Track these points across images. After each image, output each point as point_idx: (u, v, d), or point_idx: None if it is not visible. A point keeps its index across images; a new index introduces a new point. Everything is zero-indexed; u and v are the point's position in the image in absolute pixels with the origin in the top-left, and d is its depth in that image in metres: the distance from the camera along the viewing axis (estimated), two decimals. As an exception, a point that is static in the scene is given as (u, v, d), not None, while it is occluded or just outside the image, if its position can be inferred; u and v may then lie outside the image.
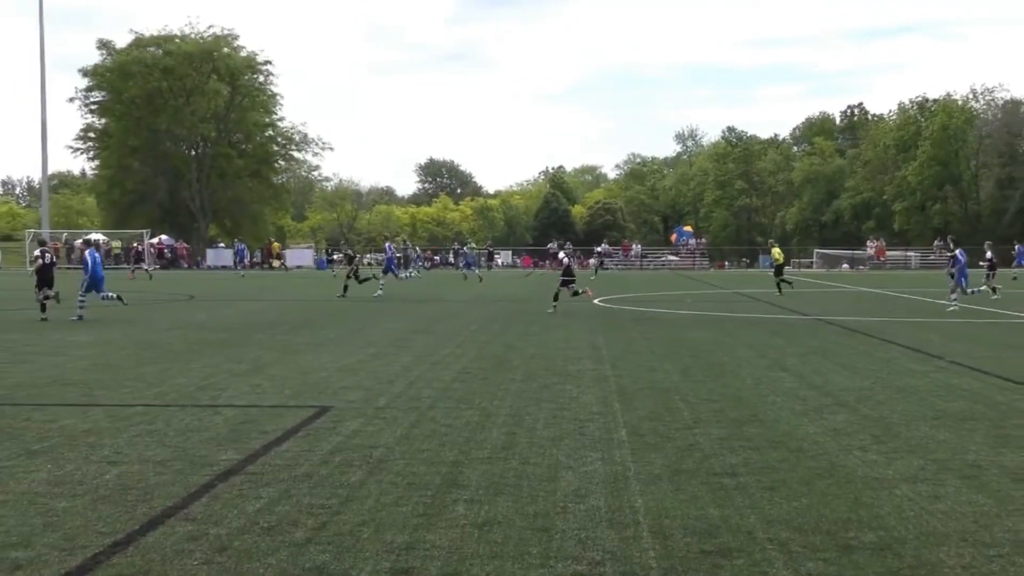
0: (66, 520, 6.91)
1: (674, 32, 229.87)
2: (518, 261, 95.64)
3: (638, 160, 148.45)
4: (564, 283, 28.80)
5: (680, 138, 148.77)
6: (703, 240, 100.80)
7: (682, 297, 37.12)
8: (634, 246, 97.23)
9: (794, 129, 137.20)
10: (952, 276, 31.23)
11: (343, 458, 8.92)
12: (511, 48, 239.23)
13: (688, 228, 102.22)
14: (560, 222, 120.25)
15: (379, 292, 36.36)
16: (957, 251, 31.91)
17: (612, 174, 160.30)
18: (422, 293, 40.10)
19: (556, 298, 28.38)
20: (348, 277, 37.12)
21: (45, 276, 25.94)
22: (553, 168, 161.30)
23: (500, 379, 14.24)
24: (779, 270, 41.57)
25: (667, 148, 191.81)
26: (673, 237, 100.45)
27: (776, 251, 42.37)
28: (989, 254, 36.28)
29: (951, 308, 29.17)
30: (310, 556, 6.16)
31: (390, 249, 46.32)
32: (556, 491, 7.80)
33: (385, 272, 41.33)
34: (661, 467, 8.64)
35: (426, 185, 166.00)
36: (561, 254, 34.36)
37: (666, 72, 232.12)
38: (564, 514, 7.15)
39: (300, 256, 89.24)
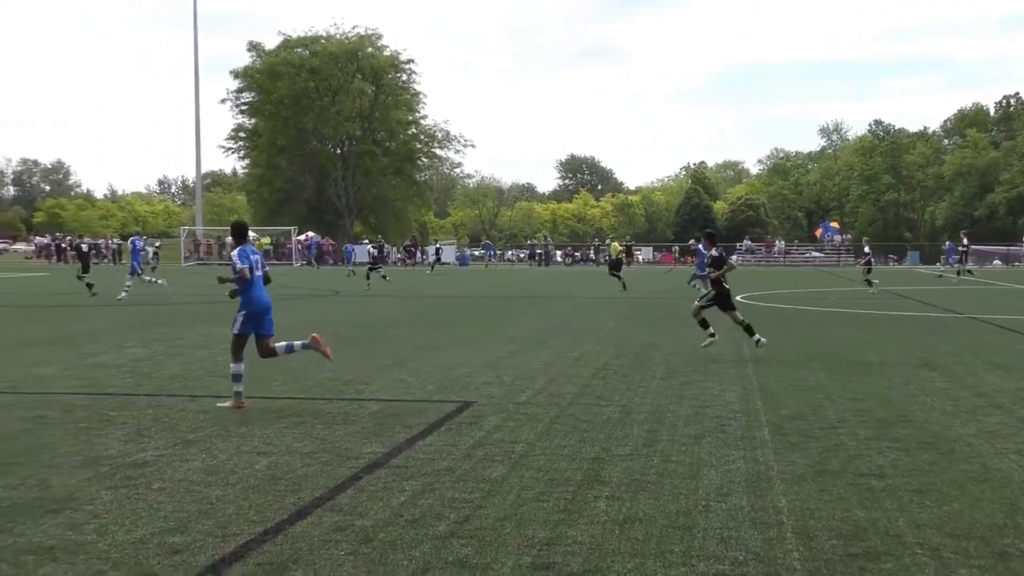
0: (219, 508, 7.12)
1: (813, 25, 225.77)
2: (659, 257, 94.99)
3: (781, 155, 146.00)
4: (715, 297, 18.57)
5: (824, 132, 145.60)
6: (848, 236, 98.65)
7: (826, 294, 36.40)
8: (777, 242, 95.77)
9: (945, 121, 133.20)
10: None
11: (485, 453, 9.00)
12: (651, 44, 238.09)
13: (834, 224, 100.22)
14: (701, 218, 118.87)
15: None
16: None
17: (754, 169, 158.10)
18: (560, 289, 40.17)
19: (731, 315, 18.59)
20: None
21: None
22: (694, 164, 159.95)
23: (640, 376, 14.19)
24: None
25: (811, 142, 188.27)
26: (818, 232, 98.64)
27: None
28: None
29: None
30: (453, 549, 6.24)
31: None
32: (698, 489, 7.74)
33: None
34: (805, 467, 8.50)
35: (567, 181, 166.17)
36: (712, 249, 32.40)
37: (806, 66, 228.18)
38: (706, 512, 7.09)
39: (442, 252, 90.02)
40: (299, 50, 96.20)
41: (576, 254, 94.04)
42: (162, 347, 17.77)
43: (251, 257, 11.91)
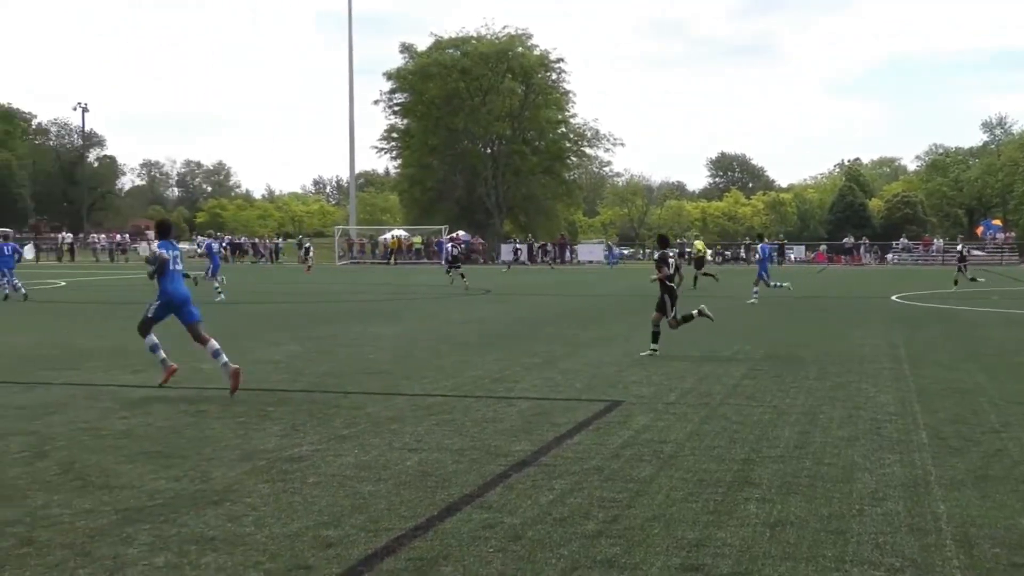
0: (371, 503, 7.25)
1: (973, 14, 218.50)
2: (811, 256, 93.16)
3: (940, 151, 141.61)
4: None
5: (987, 126, 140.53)
6: (1011, 234, 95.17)
7: (988, 294, 35.23)
8: (936, 241, 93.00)
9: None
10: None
11: (633, 452, 8.97)
12: (801, 39, 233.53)
13: (996, 221, 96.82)
14: (856, 216, 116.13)
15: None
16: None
17: (912, 166, 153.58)
18: (710, 288, 39.73)
19: None
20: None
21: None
22: (848, 160, 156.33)
23: (792, 376, 13.95)
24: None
25: (972, 138, 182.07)
26: (979, 230, 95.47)
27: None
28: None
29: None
30: (601, 549, 6.23)
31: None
32: (852, 493, 7.58)
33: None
34: (965, 472, 8.24)
35: (716, 180, 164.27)
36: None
37: (967, 57, 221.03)
38: (860, 517, 6.94)
39: (591, 251, 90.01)
40: (450, 51, 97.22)
41: (726, 252, 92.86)
42: (316, 344, 18.18)
43: (171, 252, 13.13)
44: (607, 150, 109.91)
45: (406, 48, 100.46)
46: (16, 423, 10.34)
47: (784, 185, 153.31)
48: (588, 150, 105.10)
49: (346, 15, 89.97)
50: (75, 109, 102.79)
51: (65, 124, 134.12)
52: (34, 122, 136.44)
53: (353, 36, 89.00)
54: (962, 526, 6.72)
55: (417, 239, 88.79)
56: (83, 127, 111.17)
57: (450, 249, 46.34)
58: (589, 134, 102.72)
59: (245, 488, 7.65)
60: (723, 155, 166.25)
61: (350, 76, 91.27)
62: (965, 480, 7.97)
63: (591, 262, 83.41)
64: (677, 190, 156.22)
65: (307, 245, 67.45)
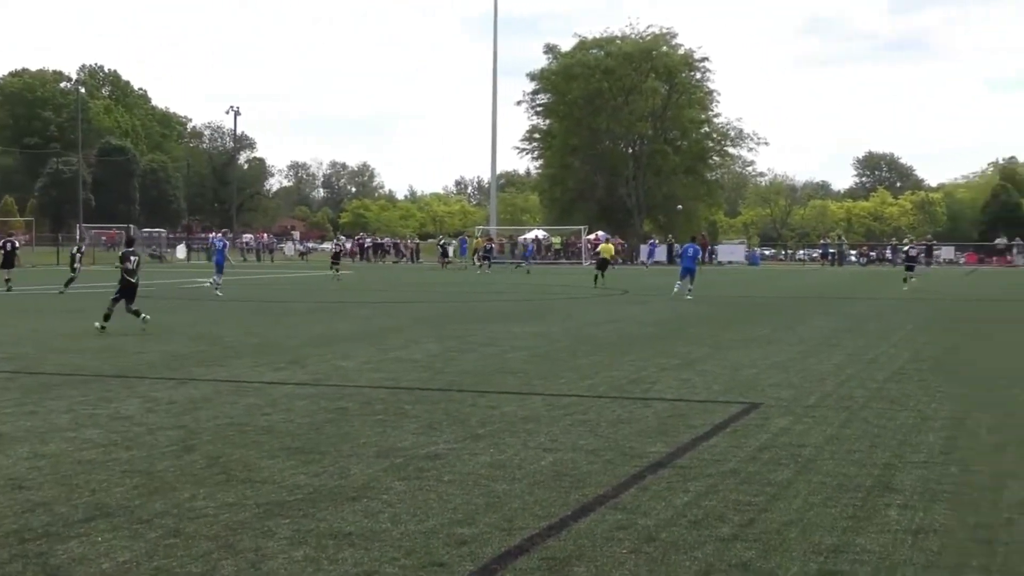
0: (505, 502, 7.28)
1: None
2: (962, 257, 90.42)
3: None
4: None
5: None
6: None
7: None
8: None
9: None
10: None
11: (771, 455, 8.82)
12: (956, 34, 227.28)
13: None
14: (1010, 216, 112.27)
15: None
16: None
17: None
18: (854, 290, 38.93)
19: None
20: None
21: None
22: (1004, 159, 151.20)
23: (939, 381, 13.56)
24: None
25: None
26: None
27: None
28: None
29: None
30: (736, 552, 6.14)
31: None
32: (1000, 501, 7.33)
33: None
34: (1122, 482, 7.89)
35: (863, 179, 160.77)
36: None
37: None
38: (1009, 527, 6.70)
39: (732, 251, 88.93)
40: (594, 51, 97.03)
41: (871, 253, 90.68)
42: (455, 343, 18.34)
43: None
44: (750, 150, 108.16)
45: (550, 49, 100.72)
46: (166, 418, 10.67)
47: (934, 185, 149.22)
48: (731, 150, 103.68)
49: (491, 17, 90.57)
50: (228, 112, 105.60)
51: (218, 127, 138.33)
52: (189, 125, 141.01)
53: (498, 38, 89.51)
54: (1118, 538, 6.44)
55: (556, 239, 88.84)
56: (235, 130, 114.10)
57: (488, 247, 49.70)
58: (732, 134, 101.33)
59: (382, 485, 7.75)
60: (871, 154, 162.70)
61: (494, 77, 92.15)
62: (1122, 490, 7.64)
63: (731, 263, 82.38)
64: (821, 190, 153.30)
65: (443, 243, 68.71)
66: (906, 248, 47.36)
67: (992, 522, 6.80)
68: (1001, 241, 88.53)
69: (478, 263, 64.35)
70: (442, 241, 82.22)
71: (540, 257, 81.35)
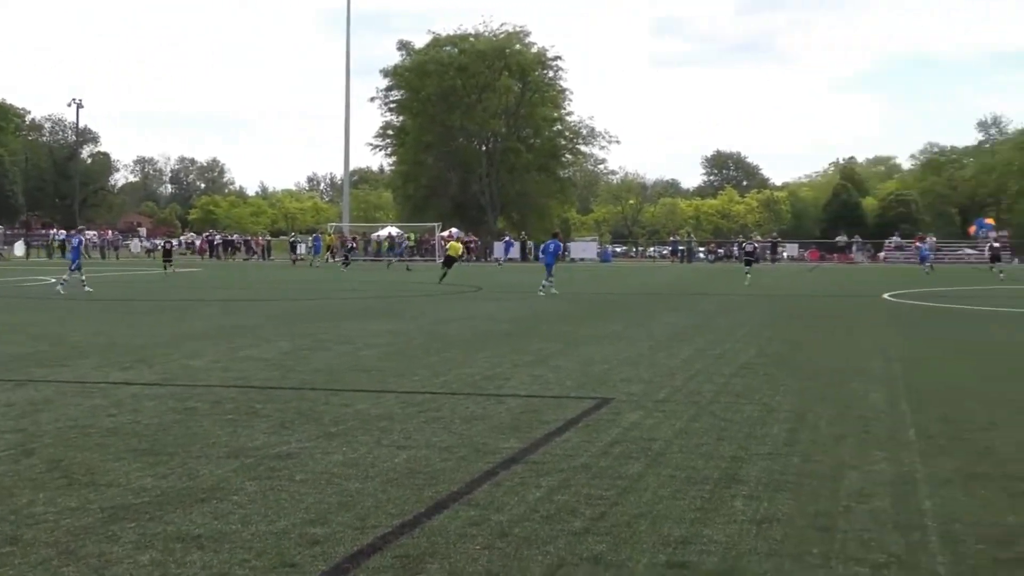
0: (358, 500, 7.24)
1: (973, 14, 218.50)
2: (805, 254, 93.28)
3: (935, 149, 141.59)
4: None
5: (983, 126, 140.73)
6: (1004, 233, 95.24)
7: (980, 292, 35.27)
8: (928, 239, 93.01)
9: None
10: None
11: (622, 450, 8.96)
12: (800, 37, 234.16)
13: (989, 221, 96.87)
14: (850, 214, 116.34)
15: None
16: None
17: (907, 165, 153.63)
18: (702, 286, 39.80)
19: None
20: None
21: None
22: (844, 159, 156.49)
23: (783, 375, 13.96)
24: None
25: (968, 137, 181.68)
26: (972, 230, 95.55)
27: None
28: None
29: None
30: (587, 546, 6.22)
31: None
32: (839, 490, 7.59)
33: None
34: (952, 470, 8.24)
35: (712, 177, 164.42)
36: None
37: (965, 57, 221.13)
38: (847, 514, 6.94)
39: (584, 249, 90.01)
40: (448, 48, 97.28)
41: (720, 250, 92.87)
42: (307, 341, 18.15)
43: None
44: (602, 148, 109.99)
45: (403, 45, 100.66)
46: (3, 421, 10.31)
47: (779, 183, 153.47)
48: (583, 148, 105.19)
49: (344, 12, 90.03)
50: (70, 105, 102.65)
51: (59, 120, 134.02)
52: (28, 118, 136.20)
53: (351, 34, 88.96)
54: (947, 523, 6.72)
55: (410, 236, 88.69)
56: (77, 123, 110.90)
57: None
58: (585, 132, 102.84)
59: (232, 485, 7.64)
60: (719, 153, 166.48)
61: (347, 73, 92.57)
62: (952, 478, 7.98)
63: (583, 260, 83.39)
64: (671, 188, 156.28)
65: (293, 240, 68.28)
66: (744, 245, 49.42)
67: (831, 510, 7.04)
68: (842, 238, 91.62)
69: (334, 260, 64.15)
70: (293, 238, 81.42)
71: (394, 254, 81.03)
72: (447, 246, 49.13)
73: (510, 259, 77.85)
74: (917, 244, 70.54)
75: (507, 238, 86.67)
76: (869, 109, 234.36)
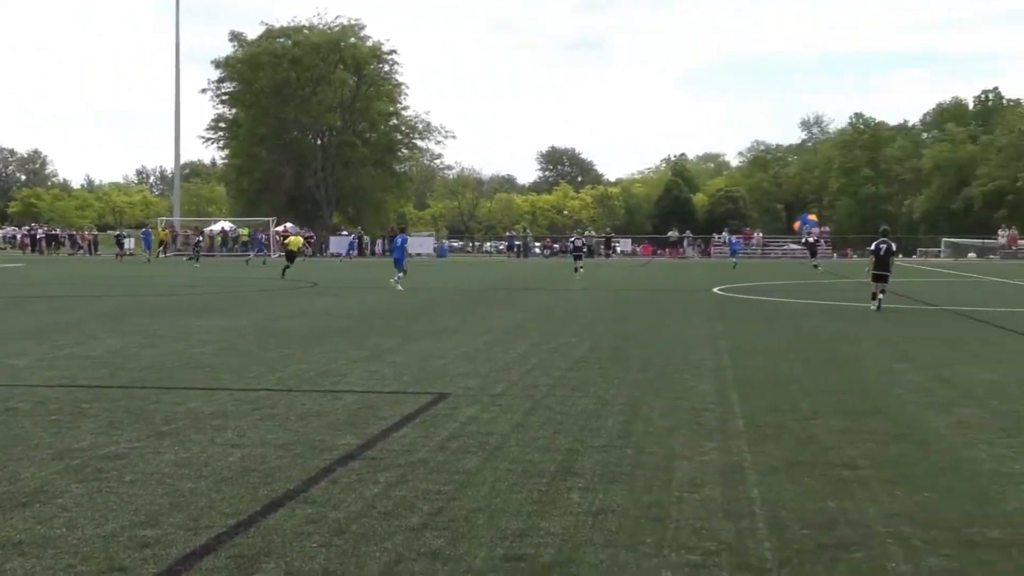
0: (191, 500, 7.09)
1: (798, 16, 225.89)
2: (638, 249, 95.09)
3: (762, 147, 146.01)
4: None
5: (805, 125, 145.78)
6: (827, 229, 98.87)
7: (803, 286, 36.52)
8: (756, 234, 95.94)
9: (924, 115, 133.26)
10: None
11: (459, 444, 8.98)
12: (635, 36, 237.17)
13: (812, 216, 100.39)
14: (681, 210, 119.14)
15: None
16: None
17: (735, 161, 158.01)
18: (537, 281, 40.19)
19: None
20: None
21: None
22: (675, 156, 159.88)
23: (616, 368, 14.19)
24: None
25: (792, 135, 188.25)
26: (796, 225, 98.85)
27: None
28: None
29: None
30: (425, 541, 6.22)
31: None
32: (671, 480, 7.76)
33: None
34: (778, 458, 8.52)
35: (547, 173, 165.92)
36: None
37: (791, 58, 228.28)
38: (679, 504, 7.10)
39: (421, 244, 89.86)
40: (281, 40, 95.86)
41: (555, 246, 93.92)
42: (138, 338, 17.67)
43: None
44: (438, 143, 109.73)
45: (235, 36, 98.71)
46: None
47: (612, 180, 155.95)
48: (419, 142, 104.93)
49: (173, 1, 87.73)
50: None
51: None
52: None
53: (180, 23, 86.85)
54: (774, 510, 6.94)
55: (244, 230, 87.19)
56: None
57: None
58: (421, 127, 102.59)
59: (57, 488, 7.38)
60: (553, 149, 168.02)
61: (176, 64, 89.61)
62: (778, 466, 8.24)
63: (420, 255, 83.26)
64: (507, 183, 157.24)
65: (119, 235, 66.77)
66: (572, 240, 50.82)
67: (664, 500, 7.19)
68: (673, 234, 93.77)
69: (166, 255, 62.59)
70: (119, 233, 79.28)
71: (227, 249, 79.60)
72: (286, 241, 48.36)
73: (349, 254, 77.22)
74: (728, 238, 73.98)
75: (343, 232, 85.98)
76: (700, 107, 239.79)
